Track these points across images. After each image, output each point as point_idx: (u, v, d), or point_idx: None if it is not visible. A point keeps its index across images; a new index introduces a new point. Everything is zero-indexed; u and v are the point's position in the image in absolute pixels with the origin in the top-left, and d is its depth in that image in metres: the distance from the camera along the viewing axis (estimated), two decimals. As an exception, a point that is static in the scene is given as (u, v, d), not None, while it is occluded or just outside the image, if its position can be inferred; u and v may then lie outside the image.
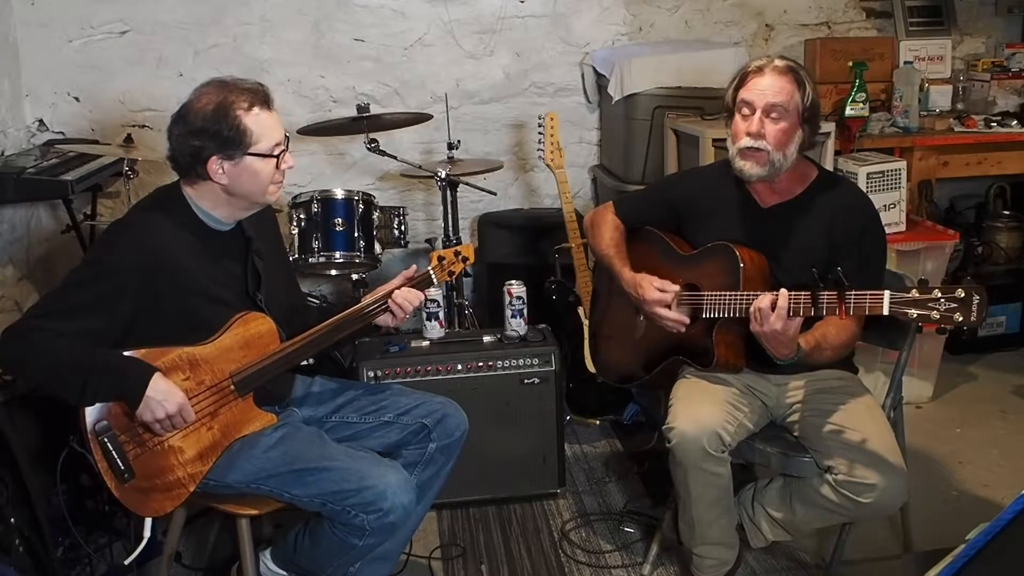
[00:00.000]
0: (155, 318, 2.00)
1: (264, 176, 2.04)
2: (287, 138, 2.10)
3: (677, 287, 2.31)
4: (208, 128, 1.98)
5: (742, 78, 2.23)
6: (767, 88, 2.18)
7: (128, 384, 1.93)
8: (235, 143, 1.99)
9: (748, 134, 2.19)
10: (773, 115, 2.18)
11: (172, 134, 2.03)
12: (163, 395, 1.94)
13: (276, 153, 2.04)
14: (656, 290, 2.31)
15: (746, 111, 2.21)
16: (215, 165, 2.00)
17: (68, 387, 1.92)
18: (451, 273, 2.34)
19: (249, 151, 2.00)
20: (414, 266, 2.28)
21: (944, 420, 3.46)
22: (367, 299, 2.23)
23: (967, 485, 3.00)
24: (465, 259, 2.36)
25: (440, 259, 2.33)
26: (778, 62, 2.22)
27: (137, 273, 1.96)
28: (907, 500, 2.21)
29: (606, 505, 2.95)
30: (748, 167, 2.22)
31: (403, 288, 2.21)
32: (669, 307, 2.30)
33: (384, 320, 2.22)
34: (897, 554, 2.60)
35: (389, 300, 2.19)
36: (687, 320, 2.30)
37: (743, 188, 2.33)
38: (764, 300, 2.02)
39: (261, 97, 2.02)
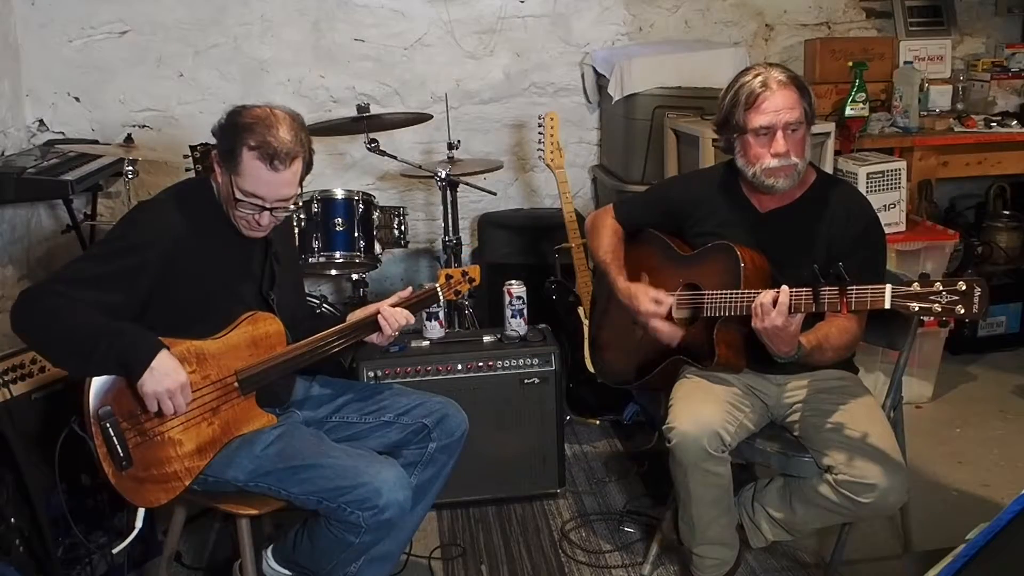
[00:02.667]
0: (170, 301, 2.03)
1: (232, 207, 2.07)
2: (292, 203, 2.08)
3: (673, 299, 2.30)
4: (228, 133, 2.03)
5: (750, 99, 2.17)
6: (782, 107, 2.16)
7: (135, 352, 1.92)
8: (229, 162, 2.03)
9: (776, 155, 2.18)
10: (791, 130, 2.18)
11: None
12: (167, 369, 1.94)
13: (244, 200, 2.03)
14: (651, 301, 2.31)
15: (764, 133, 2.18)
16: (217, 160, 2.07)
17: (77, 351, 1.92)
18: (457, 292, 2.36)
19: (232, 177, 2.03)
20: (410, 288, 2.28)
21: (944, 420, 3.45)
22: (358, 313, 2.24)
23: (967, 485, 3.00)
24: (472, 280, 2.38)
25: (448, 277, 2.35)
26: (778, 75, 2.19)
27: (159, 253, 1.99)
28: (907, 500, 2.20)
29: (606, 505, 2.95)
30: (780, 182, 2.21)
31: (395, 307, 2.21)
32: (666, 316, 2.30)
33: (371, 337, 2.23)
34: (897, 554, 2.61)
35: (378, 316, 2.20)
36: (681, 333, 2.31)
37: (741, 193, 2.33)
38: (766, 296, 2.02)
39: (270, 152, 1.99)
